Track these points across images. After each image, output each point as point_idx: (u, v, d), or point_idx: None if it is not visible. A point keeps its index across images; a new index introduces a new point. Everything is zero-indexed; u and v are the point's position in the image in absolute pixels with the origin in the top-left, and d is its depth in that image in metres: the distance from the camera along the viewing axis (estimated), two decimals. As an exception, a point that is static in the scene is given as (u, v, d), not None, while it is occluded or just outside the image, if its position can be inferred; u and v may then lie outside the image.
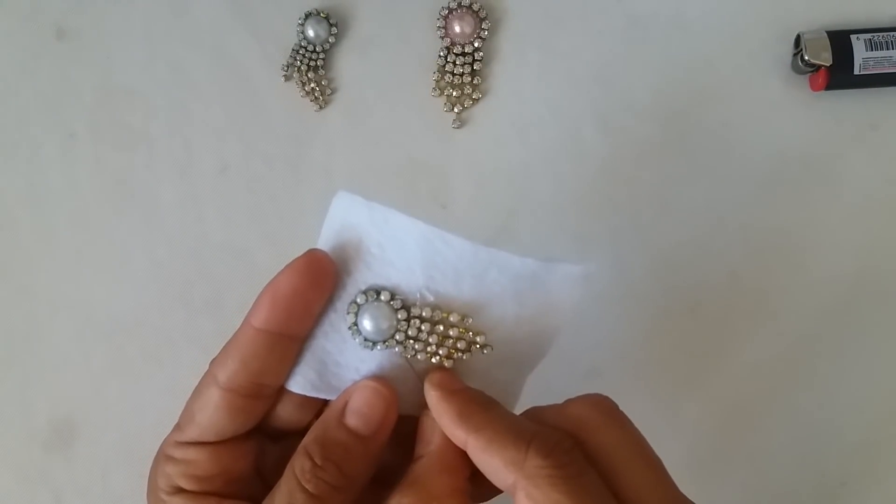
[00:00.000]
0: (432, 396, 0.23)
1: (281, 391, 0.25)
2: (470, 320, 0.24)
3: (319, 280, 0.24)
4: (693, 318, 0.40)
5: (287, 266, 0.23)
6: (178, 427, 0.25)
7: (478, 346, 0.24)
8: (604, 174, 0.41)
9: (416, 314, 0.24)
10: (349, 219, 0.24)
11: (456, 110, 0.41)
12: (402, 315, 0.23)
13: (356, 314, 0.24)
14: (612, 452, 0.22)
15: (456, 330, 0.24)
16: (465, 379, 0.24)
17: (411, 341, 0.24)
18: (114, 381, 0.40)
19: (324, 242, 0.25)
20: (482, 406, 0.23)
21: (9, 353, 0.41)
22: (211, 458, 0.24)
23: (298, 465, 0.22)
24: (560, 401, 0.26)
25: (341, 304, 0.24)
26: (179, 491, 0.24)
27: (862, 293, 0.40)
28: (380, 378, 0.24)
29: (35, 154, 0.42)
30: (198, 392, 0.25)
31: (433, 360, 0.24)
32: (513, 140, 0.41)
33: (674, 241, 0.40)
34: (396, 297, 0.24)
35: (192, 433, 0.24)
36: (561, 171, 0.41)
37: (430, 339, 0.24)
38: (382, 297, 0.23)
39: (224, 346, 0.24)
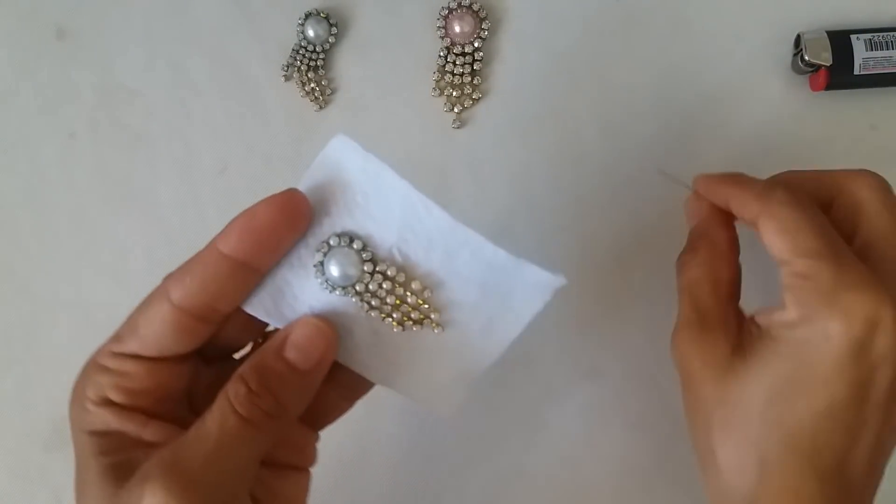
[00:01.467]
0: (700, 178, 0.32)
1: (227, 318, 0.25)
2: (429, 293, 0.24)
3: (295, 220, 0.24)
4: (693, 318, 0.40)
5: (265, 199, 0.24)
6: (116, 337, 0.25)
7: (431, 321, 0.24)
8: (604, 174, 0.41)
9: (381, 269, 0.24)
10: (343, 162, 0.24)
11: (456, 110, 0.41)
12: (368, 267, 0.24)
13: (325, 255, 0.24)
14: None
15: (414, 299, 0.24)
16: (408, 354, 0.25)
17: (369, 295, 0.24)
18: (114, 381, 0.40)
19: (310, 177, 0.25)
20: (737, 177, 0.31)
21: (9, 352, 0.41)
22: (146, 372, 0.24)
23: (233, 390, 0.22)
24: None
25: (313, 240, 0.24)
26: (107, 403, 0.24)
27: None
28: (324, 318, 0.24)
29: (35, 154, 0.42)
30: (146, 305, 0.24)
31: (384, 320, 0.24)
32: (513, 140, 0.41)
33: (674, 242, 0.40)
34: (367, 248, 0.24)
35: (132, 346, 0.24)
36: (561, 171, 0.41)
37: (388, 300, 0.24)
38: (354, 245, 0.24)
39: (182, 265, 0.24)
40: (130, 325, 0.24)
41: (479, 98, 0.41)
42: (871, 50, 0.39)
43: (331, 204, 0.24)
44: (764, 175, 0.41)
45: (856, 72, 0.39)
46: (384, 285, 0.24)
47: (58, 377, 0.41)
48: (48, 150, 0.42)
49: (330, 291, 0.24)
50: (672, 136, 0.41)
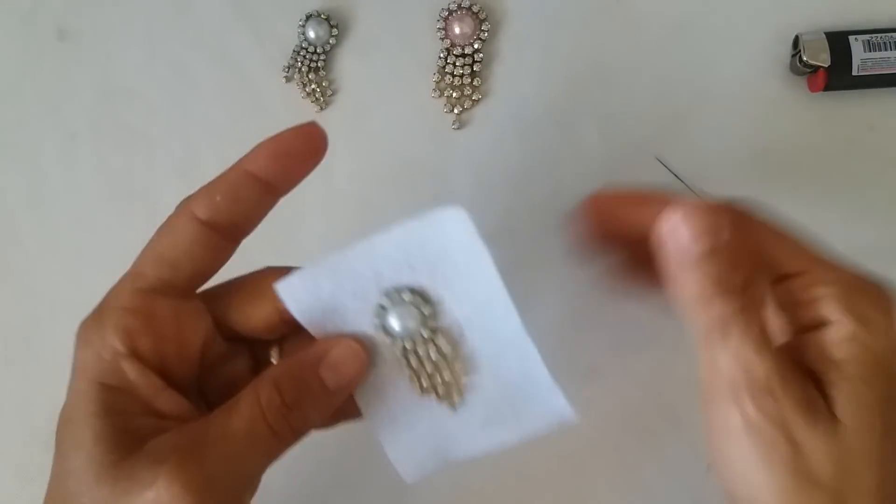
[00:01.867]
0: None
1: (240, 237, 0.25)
2: (465, 379, 0.24)
3: (316, 149, 0.24)
4: (692, 319, 0.40)
5: (291, 128, 0.24)
6: (136, 274, 0.24)
7: (451, 400, 0.25)
8: (604, 174, 0.41)
9: (436, 339, 0.24)
10: (451, 233, 0.24)
11: (456, 111, 0.41)
12: (426, 333, 0.24)
13: (392, 302, 0.24)
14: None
15: (449, 374, 0.24)
16: (410, 414, 0.25)
17: (414, 355, 0.24)
18: (114, 381, 0.40)
19: (410, 230, 0.25)
20: None
21: (9, 352, 0.41)
22: (174, 314, 0.23)
23: (266, 397, 0.22)
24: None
25: (387, 282, 0.24)
26: (131, 353, 0.22)
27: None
28: (361, 342, 0.24)
29: (36, 154, 0.42)
30: (168, 230, 0.24)
31: (411, 379, 0.24)
32: (513, 140, 0.41)
33: (673, 242, 0.40)
34: (436, 316, 0.24)
35: (158, 273, 0.23)
36: (561, 171, 0.41)
37: (427, 366, 0.24)
38: (425, 311, 0.24)
39: (204, 187, 0.24)
40: (151, 253, 0.24)
41: (479, 99, 0.41)
42: (870, 51, 0.39)
43: (419, 259, 0.24)
44: (764, 174, 0.41)
45: (854, 73, 0.39)
46: (432, 353, 0.24)
47: (58, 377, 0.42)
48: (49, 151, 0.42)
49: (376, 330, 0.24)
50: (671, 137, 0.41)
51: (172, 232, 0.24)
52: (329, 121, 0.42)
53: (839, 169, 0.41)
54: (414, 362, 0.24)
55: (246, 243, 0.41)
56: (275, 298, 0.24)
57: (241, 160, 0.24)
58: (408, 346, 0.24)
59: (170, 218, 0.24)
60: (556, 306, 0.40)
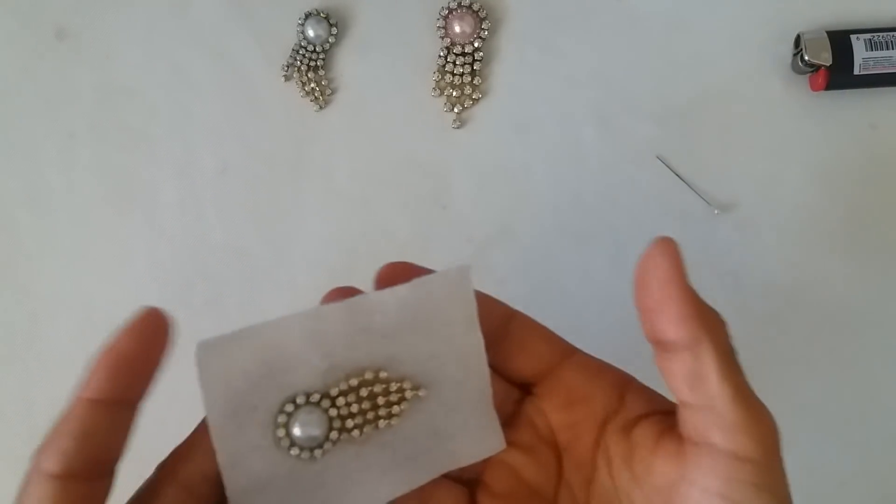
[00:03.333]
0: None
1: (159, 484, 0.22)
2: (384, 373, 0.23)
3: (157, 338, 0.22)
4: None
5: (120, 329, 0.22)
6: None
7: (409, 390, 0.23)
8: (604, 174, 0.41)
9: (335, 394, 0.22)
10: (225, 364, 0.22)
11: (456, 110, 0.41)
12: (325, 404, 0.22)
13: (286, 433, 0.22)
14: None
15: (379, 386, 0.23)
16: (423, 431, 0.23)
17: (351, 421, 0.22)
18: (114, 381, 0.40)
19: (212, 402, 0.22)
20: None
21: (9, 352, 0.41)
22: None
23: None
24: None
25: (264, 436, 0.22)
26: None
27: (862, 292, 0.40)
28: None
29: (35, 154, 0.42)
30: (24, 497, 0.21)
31: (379, 424, 0.22)
32: (513, 140, 0.41)
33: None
34: (312, 395, 0.22)
35: None
36: (561, 171, 0.41)
37: (364, 406, 0.22)
38: (300, 401, 0.22)
39: (47, 435, 0.21)
40: None
41: (479, 98, 0.41)
42: (871, 50, 0.39)
43: (249, 399, 0.22)
44: (765, 173, 0.41)
45: (856, 72, 0.39)
46: (349, 400, 0.22)
47: (58, 377, 0.42)
48: (48, 151, 0.42)
49: (320, 456, 0.22)
50: (672, 136, 0.41)
51: (30, 500, 0.21)
52: (328, 120, 0.42)
53: (841, 168, 0.40)
54: (359, 422, 0.22)
55: (247, 244, 0.41)
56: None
57: (77, 388, 0.22)
58: (336, 426, 0.22)
59: (22, 482, 0.21)
60: (557, 305, 0.40)
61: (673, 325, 0.21)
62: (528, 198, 0.41)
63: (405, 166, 0.41)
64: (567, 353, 0.25)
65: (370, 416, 0.23)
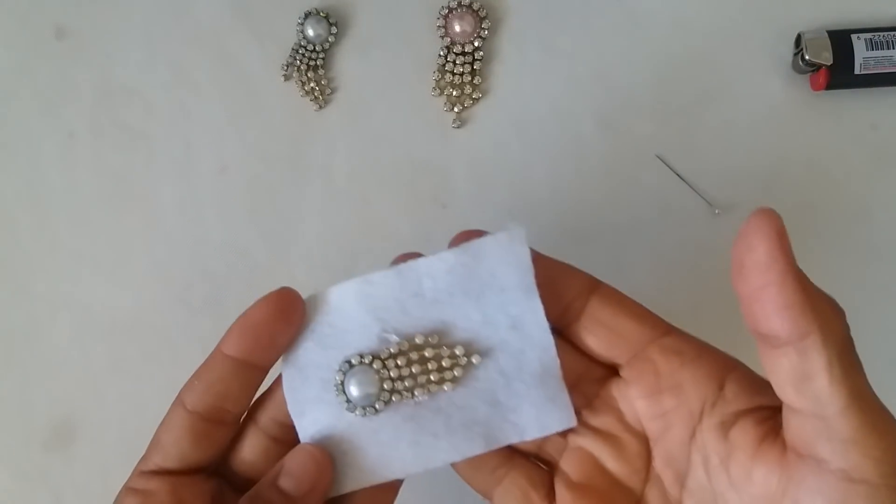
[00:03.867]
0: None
1: (243, 425, 0.25)
2: (435, 338, 0.23)
3: (287, 314, 0.24)
4: (694, 318, 0.40)
5: (259, 299, 0.24)
6: (144, 457, 0.26)
7: (462, 356, 0.23)
8: (604, 174, 0.41)
9: (386, 356, 0.23)
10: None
11: (456, 110, 0.41)
12: (377, 365, 0.23)
13: (343, 390, 0.23)
14: None
15: (432, 351, 0.23)
16: (480, 400, 0.23)
17: (402, 383, 0.23)
18: (113, 381, 0.40)
19: (286, 357, 0.25)
20: None
21: (8, 352, 0.41)
22: (170, 489, 0.24)
23: None
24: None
25: (326, 390, 0.24)
26: None
27: (862, 292, 0.40)
28: (318, 445, 0.24)
29: (34, 154, 0.42)
30: (166, 418, 0.25)
31: (431, 388, 0.23)
32: (513, 140, 0.41)
33: (674, 241, 0.40)
34: (365, 356, 0.23)
35: (156, 459, 0.25)
36: (561, 170, 0.41)
37: (414, 370, 0.23)
38: (354, 361, 0.23)
39: (194, 372, 0.25)
40: (154, 439, 0.25)
41: (480, 98, 0.41)
42: (872, 49, 0.39)
43: (312, 357, 0.24)
44: (766, 173, 0.41)
45: (856, 71, 0.39)
46: (400, 363, 0.23)
47: (57, 377, 0.42)
48: (47, 151, 0.42)
49: (375, 413, 0.23)
50: (672, 136, 0.41)
51: (168, 420, 0.25)
52: (328, 119, 0.42)
53: (841, 168, 0.40)
54: (410, 384, 0.23)
55: (247, 244, 0.41)
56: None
57: (219, 343, 0.25)
58: (387, 387, 0.23)
59: (170, 407, 0.25)
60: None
61: (775, 315, 0.18)
62: (528, 198, 0.41)
63: (405, 166, 0.41)
64: (660, 332, 0.22)
65: (422, 379, 0.23)
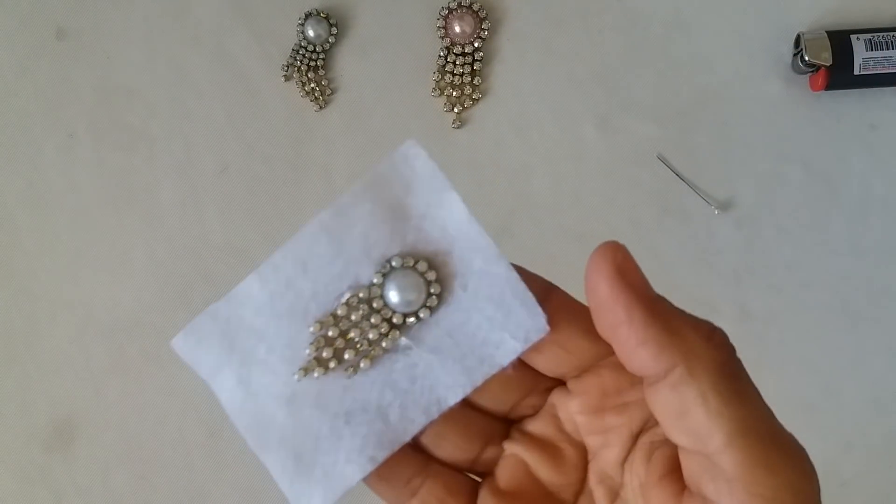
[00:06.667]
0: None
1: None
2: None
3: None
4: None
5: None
6: None
7: (431, 272, 0.21)
8: (604, 174, 0.41)
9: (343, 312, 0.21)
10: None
11: (456, 110, 0.41)
12: (423, 267, 0.21)
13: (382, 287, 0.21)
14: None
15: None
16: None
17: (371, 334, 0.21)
18: (114, 381, 0.40)
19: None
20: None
21: (9, 352, 0.41)
22: None
23: None
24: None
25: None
26: None
27: (862, 292, 0.40)
28: None
29: (35, 154, 0.42)
30: None
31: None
32: (513, 140, 0.41)
33: (674, 242, 0.40)
34: (431, 269, 0.21)
35: None
36: (561, 171, 0.41)
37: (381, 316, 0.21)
38: (420, 268, 0.21)
39: None
40: None
41: (479, 98, 0.41)
42: (871, 50, 0.39)
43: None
44: (766, 173, 0.41)
45: (856, 72, 0.39)
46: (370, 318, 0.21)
47: (58, 377, 0.42)
48: (48, 151, 0.42)
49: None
50: (672, 136, 0.41)
51: None
52: (328, 120, 0.42)
53: (841, 168, 0.40)
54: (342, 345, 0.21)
55: (248, 244, 0.41)
56: None
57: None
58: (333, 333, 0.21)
59: None
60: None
61: (634, 354, 0.17)
62: (528, 198, 0.41)
63: (405, 166, 0.41)
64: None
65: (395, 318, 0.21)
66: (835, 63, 0.39)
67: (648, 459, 0.19)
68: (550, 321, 0.20)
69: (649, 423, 0.19)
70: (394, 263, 0.21)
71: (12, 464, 0.40)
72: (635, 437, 0.19)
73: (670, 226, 0.40)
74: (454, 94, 0.41)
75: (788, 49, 0.41)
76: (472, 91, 0.41)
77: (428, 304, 0.21)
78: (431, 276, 0.21)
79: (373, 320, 0.21)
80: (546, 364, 0.20)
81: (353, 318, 0.21)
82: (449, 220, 0.22)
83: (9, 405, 0.40)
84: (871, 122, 0.41)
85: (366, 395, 0.21)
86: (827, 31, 0.39)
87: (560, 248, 0.41)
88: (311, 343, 0.21)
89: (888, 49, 0.39)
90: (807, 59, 0.39)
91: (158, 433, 0.39)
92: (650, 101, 0.41)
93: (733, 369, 0.16)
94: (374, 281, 0.21)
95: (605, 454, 0.20)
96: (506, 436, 0.21)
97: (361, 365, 0.21)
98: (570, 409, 0.21)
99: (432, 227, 0.22)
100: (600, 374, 0.20)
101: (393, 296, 0.21)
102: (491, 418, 0.21)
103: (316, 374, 0.20)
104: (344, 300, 0.21)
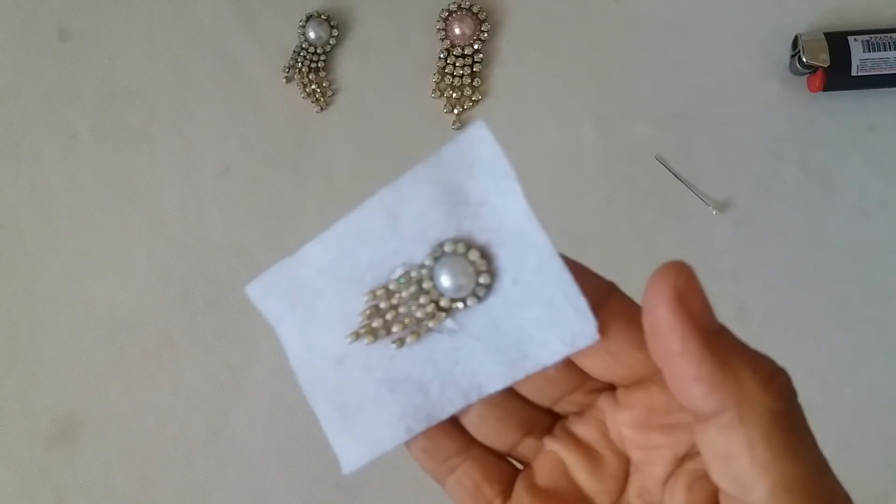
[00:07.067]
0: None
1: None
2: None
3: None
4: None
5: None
6: None
7: (482, 262, 0.21)
8: (603, 174, 0.41)
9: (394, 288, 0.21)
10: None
11: (456, 111, 0.41)
12: (475, 256, 0.21)
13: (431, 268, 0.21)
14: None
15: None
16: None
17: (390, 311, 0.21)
18: (116, 381, 0.40)
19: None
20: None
21: (11, 352, 0.41)
22: None
23: None
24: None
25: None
26: None
27: (859, 292, 0.40)
28: None
29: (37, 155, 0.42)
30: None
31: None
32: (513, 141, 0.41)
33: (672, 242, 0.40)
34: (484, 257, 0.21)
35: None
36: (559, 171, 0.41)
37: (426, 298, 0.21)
38: (471, 256, 0.21)
39: None
40: None
41: (479, 99, 0.41)
42: (869, 51, 0.39)
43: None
44: (764, 174, 0.41)
45: (853, 73, 0.39)
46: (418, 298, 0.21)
47: (60, 376, 0.42)
48: (50, 151, 0.42)
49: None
50: (670, 137, 0.41)
51: None
52: (329, 121, 0.42)
53: (839, 168, 0.41)
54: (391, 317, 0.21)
55: (249, 244, 0.42)
56: None
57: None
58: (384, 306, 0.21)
59: None
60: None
61: (685, 389, 0.16)
62: (527, 198, 0.41)
63: (405, 167, 0.41)
64: None
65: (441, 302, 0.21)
66: (832, 64, 0.39)
67: (690, 488, 0.18)
68: (603, 327, 0.19)
69: (695, 448, 0.18)
70: (446, 248, 0.21)
71: (14, 462, 0.40)
72: (680, 460, 0.19)
73: (668, 226, 0.40)
74: (454, 95, 0.41)
75: (786, 50, 0.41)
76: (472, 92, 0.41)
77: (476, 293, 0.21)
78: (482, 265, 0.21)
79: (421, 300, 0.21)
80: (595, 369, 0.20)
81: (403, 294, 0.21)
82: (507, 210, 0.22)
83: (11, 404, 0.41)
84: (868, 123, 0.41)
85: (409, 368, 0.21)
86: (825, 33, 0.40)
87: (559, 249, 0.41)
88: (364, 311, 0.21)
89: (886, 50, 0.39)
90: (804, 60, 0.39)
91: (160, 432, 0.40)
92: (648, 103, 0.41)
93: (788, 419, 0.16)
94: (426, 262, 0.21)
95: (649, 470, 0.19)
96: (546, 429, 0.21)
97: (408, 340, 0.21)
98: (618, 420, 0.20)
99: (490, 214, 0.22)
100: (650, 389, 0.19)
101: (443, 280, 0.21)
102: (533, 409, 0.21)
103: (366, 341, 0.21)
104: (395, 276, 0.21)
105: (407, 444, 0.21)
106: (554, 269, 0.21)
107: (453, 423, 0.21)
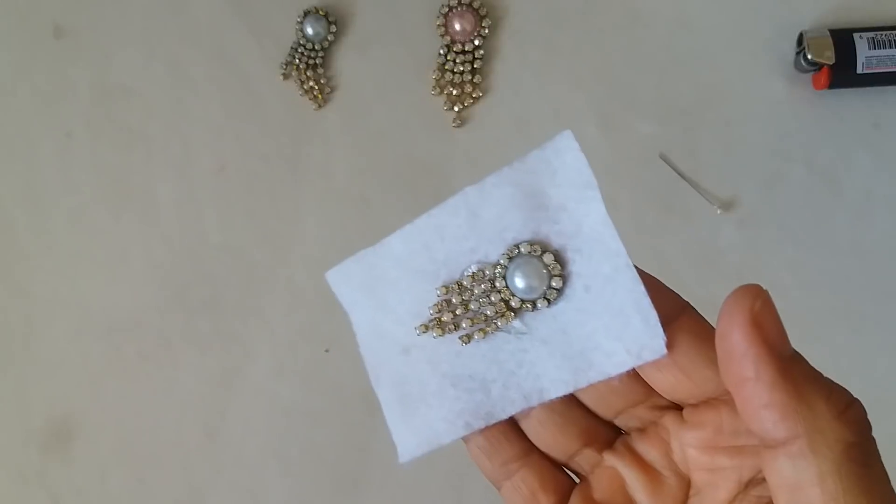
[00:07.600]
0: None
1: None
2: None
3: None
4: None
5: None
6: None
7: (555, 265, 0.21)
8: (605, 174, 0.40)
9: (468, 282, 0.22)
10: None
11: (456, 109, 0.41)
12: (549, 260, 0.21)
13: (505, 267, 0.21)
14: None
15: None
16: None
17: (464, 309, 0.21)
18: (111, 382, 0.40)
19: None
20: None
21: (6, 353, 0.41)
22: None
23: None
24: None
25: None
26: None
27: (864, 291, 0.40)
28: None
29: (32, 153, 0.42)
30: None
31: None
32: (513, 138, 0.41)
33: (676, 241, 0.40)
34: (557, 261, 0.21)
35: None
36: (562, 170, 0.41)
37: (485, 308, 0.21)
38: (546, 259, 0.21)
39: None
40: None
41: (480, 96, 0.41)
42: (874, 48, 0.39)
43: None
44: (769, 171, 0.41)
45: (858, 70, 0.39)
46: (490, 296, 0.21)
47: (55, 378, 0.41)
48: (45, 150, 0.42)
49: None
50: (674, 134, 0.40)
51: None
52: (327, 118, 0.41)
53: (844, 166, 0.40)
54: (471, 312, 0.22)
55: (246, 244, 0.41)
56: None
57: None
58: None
59: None
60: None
61: (755, 415, 0.16)
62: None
63: (405, 165, 0.41)
64: None
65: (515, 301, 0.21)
66: (837, 62, 0.39)
67: None
68: (673, 343, 0.19)
69: (760, 474, 0.18)
70: (522, 249, 0.22)
71: (9, 465, 0.40)
72: (744, 486, 0.18)
73: (672, 225, 0.40)
74: (454, 92, 0.41)
75: (791, 48, 0.41)
76: (473, 89, 0.41)
77: (547, 297, 0.21)
78: (556, 269, 0.21)
79: (492, 298, 0.21)
80: (663, 385, 0.19)
81: (475, 291, 0.22)
82: (585, 217, 0.22)
83: (6, 406, 0.40)
84: (873, 121, 0.40)
85: (474, 365, 0.22)
86: (830, 30, 0.39)
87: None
88: (435, 304, 0.22)
89: (891, 47, 0.39)
90: (809, 57, 0.39)
91: (156, 434, 0.39)
92: (652, 100, 0.41)
93: (861, 452, 0.16)
94: (501, 262, 0.22)
95: (711, 493, 0.19)
96: (606, 443, 0.21)
97: (475, 337, 0.21)
98: (684, 441, 0.20)
99: (568, 220, 0.22)
100: (719, 409, 0.19)
101: (516, 280, 0.21)
102: (594, 420, 0.21)
103: (434, 334, 0.22)
104: (469, 273, 0.22)
105: (465, 441, 0.21)
106: (627, 279, 0.21)
107: (514, 428, 0.21)
